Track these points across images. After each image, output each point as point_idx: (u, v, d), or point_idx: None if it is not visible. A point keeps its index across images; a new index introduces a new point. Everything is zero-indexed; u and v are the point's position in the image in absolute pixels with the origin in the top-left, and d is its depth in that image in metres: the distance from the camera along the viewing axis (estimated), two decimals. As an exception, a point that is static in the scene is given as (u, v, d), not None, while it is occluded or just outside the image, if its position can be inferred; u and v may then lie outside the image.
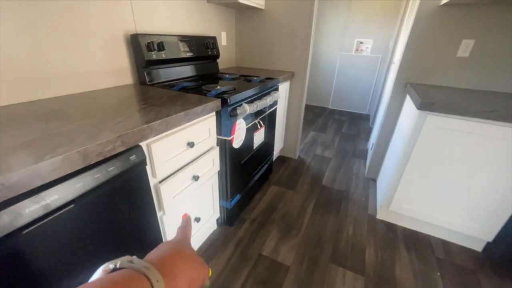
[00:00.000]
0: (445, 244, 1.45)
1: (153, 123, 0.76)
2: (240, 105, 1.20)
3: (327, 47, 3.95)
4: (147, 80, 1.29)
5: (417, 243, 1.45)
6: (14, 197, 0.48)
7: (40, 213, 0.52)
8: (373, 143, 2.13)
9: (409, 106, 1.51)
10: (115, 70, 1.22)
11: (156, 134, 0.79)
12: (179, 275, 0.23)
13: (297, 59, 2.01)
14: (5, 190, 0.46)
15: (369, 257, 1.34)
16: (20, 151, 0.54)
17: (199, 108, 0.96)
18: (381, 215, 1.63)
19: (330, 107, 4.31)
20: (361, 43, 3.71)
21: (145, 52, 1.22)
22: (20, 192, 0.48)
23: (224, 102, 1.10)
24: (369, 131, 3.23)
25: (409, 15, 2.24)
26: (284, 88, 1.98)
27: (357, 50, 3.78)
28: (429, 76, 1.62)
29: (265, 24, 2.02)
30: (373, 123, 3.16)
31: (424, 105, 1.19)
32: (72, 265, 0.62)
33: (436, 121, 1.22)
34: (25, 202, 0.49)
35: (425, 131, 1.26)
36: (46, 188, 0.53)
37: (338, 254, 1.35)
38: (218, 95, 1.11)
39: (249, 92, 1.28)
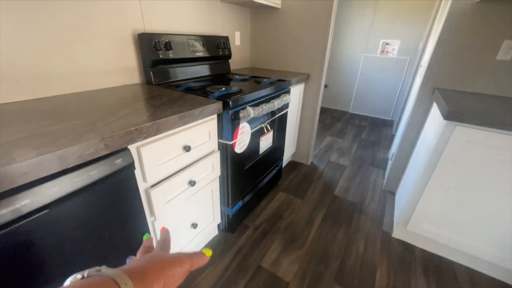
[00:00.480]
0: (472, 273, 1.27)
1: (143, 125, 0.72)
2: (243, 108, 1.14)
3: (350, 48, 3.76)
4: (153, 79, 1.27)
5: (438, 269, 1.28)
6: (-21, 201, 0.46)
7: (9, 217, 0.50)
8: (393, 153, 1.96)
9: (435, 114, 1.35)
10: (123, 69, 1.22)
11: (146, 137, 0.75)
12: (149, 276, 0.24)
13: (313, 60, 1.91)
14: (-31, 193, 0.44)
15: (380, 279, 1.21)
16: (-4, 152, 0.53)
17: (196, 111, 0.91)
18: (397, 234, 1.48)
19: (350, 111, 4.10)
20: (387, 44, 3.48)
21: (151, 52, 1.21)
22: (-15, 196, 0.46)
23: (226, 105, 1.04)
24: (391, 138, 3.00)
25: (441, 13, 2.03)
26: (297, 90, 1.89)
27: (382, 51, 3.55)
28: (461, 81, 1.44)
29: (281, 24, 1.95)
30: (396, 130, 2.93)
31: (452, 115, 1.04)
32: (49, 272, 0.60)
33: (466, 133, 1.06)
34: (-8, 206, 0.47)
35: (453, 144, 1.10)
36: (16, 192, 0.51)
37: (345, 273, 1.23)
38: (220, 97, 1.06)
39: (255, 95, 1.21)
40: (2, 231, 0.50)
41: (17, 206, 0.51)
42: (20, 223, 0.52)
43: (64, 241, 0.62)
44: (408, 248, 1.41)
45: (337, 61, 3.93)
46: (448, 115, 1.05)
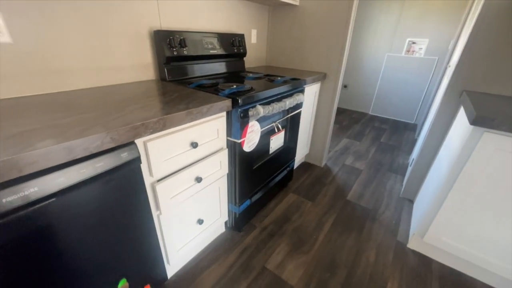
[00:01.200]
0: (496, 294, 1.16)
1: (149, 121, 0.74)
2: (253, 107, 1.12)
3: (373, 47, 3.60)
4: (167, 76, 1.30)
5: (457, 286, 1.18)
6: (-10, 187, 0.49)
7: (18, 203, 0.53)
8: (413, 158, 1.85)
9: (462, 119, 1.24)
10: (138, 66, 1.25)
11: (153, 132, 0.76)
12: None
13: (330, 59, 1.85)
14: (-19, 179, 0.47)
15: (390, 292, 1.14)
16: (9, 141, 0.56)
17: (204, 108, 0.91)
18: (413, 245, 1.39)
19: (370, 113, 3.93)
20: (414, 43, 3.28)
21: (166, 49, 1.23)
22: (-4, 182, 0.49)
23: (235, 103, 1.03)
24: (413, 143, 2.84)
25: (475, 10, 1.87)
26: (313, 90, 1.84)
27: (408, 51, 3.36)
28: (494, 83, 1.31)
29: (298, 22, 1.90)
30: (419, 134, 2.76)
31: (480, 120, 0.95)
32: (55, 259, 0.63)
33: (495, 140, 0.96)
34: (3, 192, 0.50)
35: (479, 152, 1.01)
36: (26, 180, 0.53)
37: (352, 282, 1.18)
38: (230, 95, 1.05)
39: (266, 93, 1.19)
40: (12, 216, 0.53)
41: (26, 193, 0.53)
42: (29, 209, 0.55)
43: (70, 230, 0.65)
44: (424, 260, 1.31)
45: (358, 61, 3.78)
46: (476, 120, 0.96)
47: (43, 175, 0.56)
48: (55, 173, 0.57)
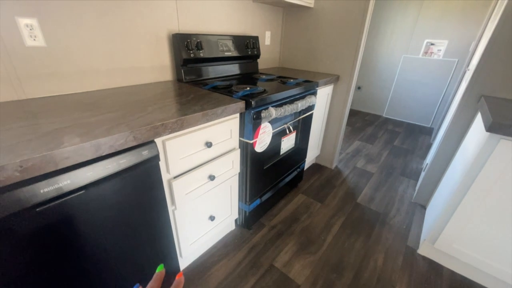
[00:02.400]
0: (510, 305, 1.13)
1: (168, 121, 0.78)
2: (266, 108, 1.15)
3: (388, 49, 3.53)
4: (184, 77, 1.35)
5: (468, 295, 1.17)
6: (31, 178, 0.55)
7: (53, 194, 0.59)
8: (427, 163, 1.81)
9: (479, 125, 1.21)
10: (157, 67, 1.31)
11: (171, 132, 0.81)
12: None
13: (344, 61, 1.84)
14: (24, 171, 0.53)
15: (398, 297, 1.14)
16: (46, 137, 0.62)
17: (219, 109, 0.95)
18: (423, 250, 1.37)
19: (384, 115, 3.86)
20: (432, 44, 3.19)
21: (183, 51, 1.28)
22: (36, 175, 0.55)
23: (248, 104, 1.07)
24: (427, 147, 2.77)
25: (498, 10, 1.81)
26: (325, 92, 1.84)
27: (425, 52, 3.27)
28: (515, 89, 1.27)
29: (312, 24, 1.91)
30: (434, 139, 2.69)
31: (496, 126, 0.93)
32: (80, 246, 0.69)
33: (512, 148, 0.94)
34: (40, 183, 0.56)
35: (495, 159, 0.99)
36: (60, 173, 0.59)
37: (359, 284, 1.19)
38: (244, 97, 1.09)
39: (279, 95, 1.22)
40: (48, 205, 0.59)
41: (60, 185, 0.59)
42: (61, 200, 0.61)
43: (94, 220, 0.70)
44: (434, 267, 1.30)
45: (373, 62, 3.72)
46: (492, 126, 0.94)
47: (74, 170, 0.61)
48: (85, 168, 0.63)
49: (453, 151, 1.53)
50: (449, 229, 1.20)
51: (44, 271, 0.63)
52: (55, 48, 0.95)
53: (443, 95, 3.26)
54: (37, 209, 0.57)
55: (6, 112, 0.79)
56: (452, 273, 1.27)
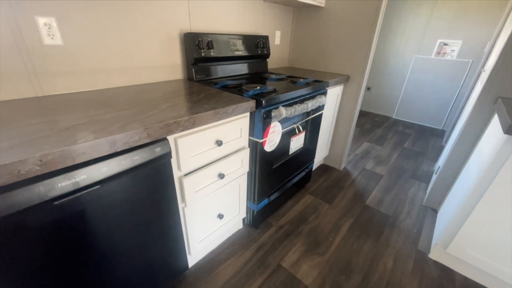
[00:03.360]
0: (526, 314, 1.09)
1: (180, 119, 0.79)
2: (276, 108, 1.15)
3: (399, 49, 3.47)
4: (194, 76, 1.36)
5: (481, 302, 1.13)
6: (49, 172, 0.57)
7: (70, 188, 0.60)
8: (439, 166, 1.77)
9: (495, 127, 1.18)
10: (168, 66, 1.33)
11: (183, 130, 0.82)
12: None
13: (355, 62, 1.82)
14: (43, 165, 0.55)
15: (408, 301, 1.12)
16: (64, 133, 0.63)
17: (230, 108, 0.95)
18: (435, 255, 1.34)
19: (394, 116, 3.79)
20: (445, 44, 3.12)
21: (194, 50, 1.29)
22: (54, 169, 0.56)
23: (259, 104, 1.07)
24: (439, 150, 2.71)
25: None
26: (335, 92, 1.82)
27: (438, 53, 3.20)
28: (534, 91, 1.23)
29: (323, 23, 1.89)
30: (447, 141, 2.63)
31: (515, 129, 0.90)
32: (93, 239, 0.71)
33: (532, 151, 0.91)
34: (58, 178, 0.58)
35: (513, 163, 0.96)
36: (77, 168, 0.61)
37: (368, 287, 1.17)
38: (254, 96, 1.09)
39: (289, 95, 1.21)
40: (65, 199, 0.60)
41: (77, 179, 0.61)
42: (78, 194, 0.63)
43: (107, 215, 0.72)
44: (446, 272, 1.27)
45: (383, 62, 3.66)
46: (510, 129, 0.91)
47: (90, 165, 0.63)
48: (100, 163, 0.65)
49: (467, 153, 1.49)
50: (463, 233, 1.17)
51: (59, 263, 0.65)
52: (71, 47, 0.98)
53: (456, 97, 3.18)
54: (55, 203, 0.59)
55: (26, 108, 0.82)
56: (465, 279, 1.24)
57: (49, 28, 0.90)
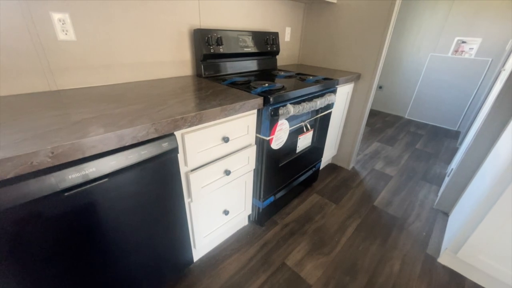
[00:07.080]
0: (540, 325, 1.05)
1: (188, 115, 0.80)
2: (284, 105, 1.14)
3: (414, 47, 3.36)
4: (203, 72, 1.37)
5: (492, 310, 1.10)
6: (60, 164, 0.58)
7: (80, 181, 0.62)
8: (452, 168, 1.71)
9: (513, 130, 1.13)
10: (178, 62, 1.34)
11: (190, 126, 0.83)
12: None
13: (366, 59, 1.78)
14: (54, 157, 0.56)
15: (414, 305, 1.10)
16: (75, 126, 0.65)
17: (237, 105, 0.95)
18: (444, 260, 1.31)
19: (406, 116, 3.69)
20: (464, 42, 2.99)
21: (203, 46, 1.30)
22: (65, 161, 0.58)
23: (266, 101, 1.06)
24: (453, 152, 2.62)
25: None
26: (345, 90, 1.79)
27: (456, 51, 3.08)
28: (559, 92, 1.16)
29: (335, 20, 1.85)
30: (461, 143, 2.54)
31: (535, 132, 0.86)
32: (101, 231, 0.73)
33: (553, 156, 0.86)
34: (68, 170, 0.59)
35: (532, 167, 0.91)
36: (86, 161, 0.62)
37: (374, 290, 1.15)
38: (262, 93, 1.08)
39: (297, 92, 1.20)
40: (75, 191, 0.62)
41: (86, 172, 0.62)
42: (88, 186, 0.64)
43: (115, 208, 0.74)
44: (456, 278, 1.23)
45: (397, 60, 3.56)
46: (530, 132, 0.87)
47: (99, 158, 0.64)
48: (109, 157, 0.66)
49: (482, 156, 1.43)
50: (475, 238, 1.13)
51: (68, 252, 0.67)
52: (84, 42, 1.00)
53: (473, 97, 3.05)
54: (66, 194, 0.61)
55: (40, 102, 0.84)
56: (476, 285, 1.20)
57: (63, 23, 0.92)
